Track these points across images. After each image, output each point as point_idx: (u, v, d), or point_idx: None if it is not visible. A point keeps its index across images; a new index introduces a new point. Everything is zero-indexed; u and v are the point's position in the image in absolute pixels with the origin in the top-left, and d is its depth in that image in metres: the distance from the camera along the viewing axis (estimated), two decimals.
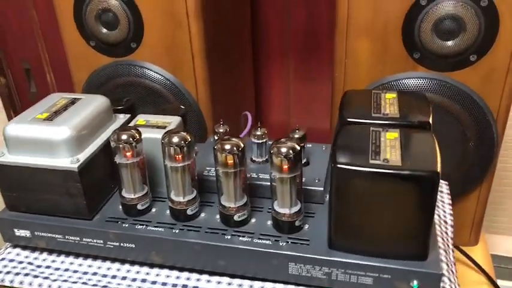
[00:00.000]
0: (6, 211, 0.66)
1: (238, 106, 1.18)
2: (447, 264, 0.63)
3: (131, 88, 0.96)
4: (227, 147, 0.57)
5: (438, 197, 0.77)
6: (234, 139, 0.58)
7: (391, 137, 0.56)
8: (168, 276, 0.63)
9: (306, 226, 0.61)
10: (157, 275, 0.63)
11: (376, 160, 0.52)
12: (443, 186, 0.80)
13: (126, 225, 0.63)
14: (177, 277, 0.62)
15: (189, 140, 0.59)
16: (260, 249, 0.58)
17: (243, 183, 0.60)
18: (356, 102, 0.65)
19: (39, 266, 0.65)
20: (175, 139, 0.58)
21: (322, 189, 0.64)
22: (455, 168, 0.90)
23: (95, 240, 0.63)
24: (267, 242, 0.59)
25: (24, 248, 0.68)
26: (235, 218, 0.61)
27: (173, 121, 0.68)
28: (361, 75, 0.87)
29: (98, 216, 0.65)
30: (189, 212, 0.62)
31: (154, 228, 0.62)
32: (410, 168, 0.50)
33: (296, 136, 0.67)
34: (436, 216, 0.71)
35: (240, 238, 0.60)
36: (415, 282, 0.55)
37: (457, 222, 0.90)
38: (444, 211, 0.74)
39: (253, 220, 0.63)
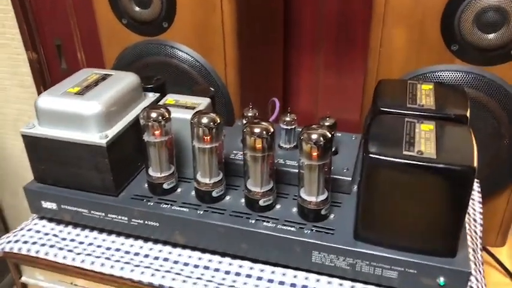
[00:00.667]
0: (34, 183, 0.67)
1: (266, 94, 1.17)
2: (475, 264, 0.61)
3: (161, 68, 0.95)
4: (257, 130, 0.56)
5: None
6: (264, 123, 0.57)
7: (426, 129, 0.54)
8: (190, 257, 0.63)
9: (332, 215, 0.60)
10: (179, 255, 0.63)
11: (410, 151, 0.50)
12: (474, 184, 0.78)
13: (151, 203, 0.63)
14: (199, 258, 0.62)
15: (219, 121, 0.58)
16: (284, 236, 0.58)
17: (270, 169, 0.59)
18: (391, 92, 0.64)
19: (63, 239, 0.66)
20: (204, 120, 0.58)
21: (350, 179, 0.63)
22: (486, 166, 0.87)
23: (119, 217, 0.64)
24: (291, 228, 0.58)
25: (50, 220, 0.69)
26: (261, 202, 0.60)
27: (202, 102, 0.68)
28: (395, 66, 0.85)
29: (124, 193, 0.65)
30: (214, 194, 0.62)
31: (179, 208, 0.62)
32: (446, 161, 0.49)
33: (326, 124, 0.66)
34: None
35: (264, 223, 0.59)
36: (442, 280, 0.53)
37: (484, 222, 0.88)
38: (474, 209, 0.72)
39: (278, 206, 0.62)
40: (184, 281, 0.59)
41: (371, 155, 0.50)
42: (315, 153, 0.55)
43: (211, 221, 0.60)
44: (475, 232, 0.68)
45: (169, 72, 0.95)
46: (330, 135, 0.55)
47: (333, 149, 0.68)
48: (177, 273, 0.60)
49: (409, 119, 0.56)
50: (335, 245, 0.56)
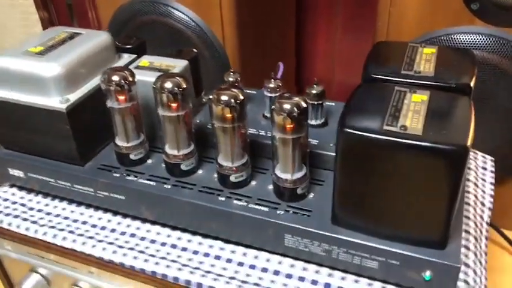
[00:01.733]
0: (1, 149, 0.63)
1: (276, 58, 1.09)
2: (475, 254, 0.54)
3: (155, 27, 0.89)
4: (224, 98, 0.49)
5: (479, 174, 0.66)
6: (233, 90, 0.50)
7: (417, 100, 0.46)
8: (158, 234, 0.58)
9: (311, 195, 0.54)
10: (147, 231, 0.58)
11: (392, 126, 0.43)
12: (488, 163, 0.69)
13: (117, 175, 0.58)
14: (168, 235, 0.58)
15: (185, 86, 0.52)
16: (254, 216, 0.52)
17: (243, 141, 0.53)
18: (386, 56, 0.55)
19: (31, 209, 0.62)
20: (168, 84, 0.51)
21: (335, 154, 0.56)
22: (506, 142, 0.78)
23: (85, 188, 0.59)
24: (264, 208, 0.52)
25: (20, 188, 0.66)
26: (232, 178, 0.54)
27: (179, 65, 0.61)
28: (407, 28, 0.76)
29: (91, 163, 0.60)
30: (183, 167, 0.56)
31: (145, 182, 0.57)
32: (432, 139, 0.41)
33: (313, 92, 0.59)
34: (472, 197, 0.62)
35: (235, 201, 0.53)
36: (428, 273, 0.47)
37: (502, 203, 0.79)
38: (484, 191, 0.64)
39: (253, 183, 0.56)
40: (146, 260, 0.54)
41: (345, 129, 0.43)
42: (288, 126, 0.48)
43: (178, 197, 0.54)
44: (481, 217, 0.60)
45: (164, 31, 0.89)
46: (304, 105, 0.48)
47: (322, 120, 0.61)
48: (140, 251, 0.55)
49: (400, 87, 0.48)
50: (309, 229, 0.50)
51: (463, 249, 0.53)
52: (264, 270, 0.53)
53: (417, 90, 0.48)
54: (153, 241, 0.57)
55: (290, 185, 0.52)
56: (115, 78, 0.53)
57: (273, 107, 0.48)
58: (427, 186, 0.43)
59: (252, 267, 0.53)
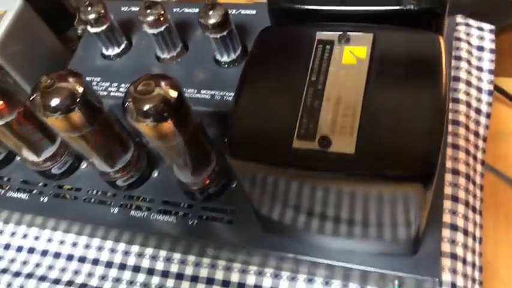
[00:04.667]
0: None
1: None
2: (464, 232, 0.39)
3: None
4: (51, 103, 0.31)
5: (473, 69, 0.48)
6: (71, 79, 0.32)
7: (351, 61, 0.27)
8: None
9: (233, 185, 0.38)
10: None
11: (306, 140, 0.25)
12: (486, 36, 0.50)
13: None
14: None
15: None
16: (160, 232, 0.38)
17: (111, 142, 0.36)
18: None
19: None
20: None
21: None
22: None
23: None
24: (170, 218, 0.38)
25: None
26: (120, 183, 0.39)
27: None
28: None
29: None
30: (55, 171, 0.41)
31: (15, 195, 0.42)
32: (372, 164, 0.24)
33: (210, 22, 0.38)
34: (463, 108, 0.45)
35: (133, 212, 0.39)
36: (396, 283, 0.34)
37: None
38: (479, 100, 0.46)
39: (155, 175, 0.40)
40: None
41: (232, 160, 0.26)
42: (160, 134, 0.30)
43: (58, 217, 0.40)
44: (476, 147, 0.44)
45: None
46: (175, 96, 0.29)
47: (238, 53, 0.41)
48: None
49: (324, 32, 0.29)
50: (234, 241, 0.36)
51: (447, 232, 0.38)
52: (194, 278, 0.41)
53: (351, 36, 0.28)
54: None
55: (197, 187, 0.36)
56: None
57: (125, 104, 0.30)
58: (373, 213, 0.28)
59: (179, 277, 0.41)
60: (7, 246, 0.45)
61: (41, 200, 0.41)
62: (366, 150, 0.24)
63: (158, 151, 0.33)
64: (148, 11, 0.39)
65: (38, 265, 0.43)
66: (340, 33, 0.28)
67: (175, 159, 0.33)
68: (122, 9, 0.47)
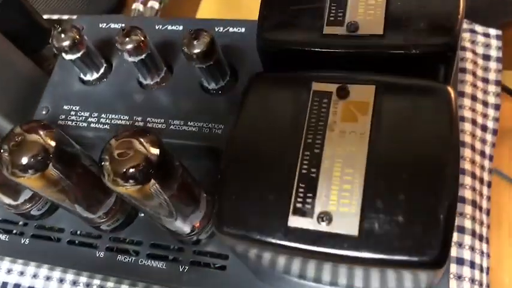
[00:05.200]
0: None
1: None
2: (473, 235, 0.38)
3: None
4: (23, 162, 0.28)
5: (478, 81, 0.45)
6: (41, 132, 0.29)
7: (350, 119, 0.24)
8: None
9: None
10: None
11: (304, 217, 0.23)
12: (493, 44, 0.46)
13: None
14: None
15: None
16: (148, 281, 0.36)
17: (92, 189, 0.33)
18: None
19: None
20: None
21: None
22: None
23: None
24: (160, 264, 0.36)
25: None
26: (104, 227, 0.36)
27: None
28: None
29: None
30: (34, 212, 0.38)
31: None
32: (379, 248, 0.22)
33: (194, 51, 0.34)
34: (468, 127, 0.42)
35: (119, 256, 0.36)
36: None
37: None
38: (485, 115, 0.43)
39: (142, 215, 0.38)
40: None
41: (221, 235, 0.24)
42: (140, 195, 0.28)
43: (38, 261, 0.38)
44: (481, 181, 0.41)
45: None
46: (156, 153, 0.27)
47: (226, 79, 0.38)
48: None
49: (320, 84, 0.25)
50: None
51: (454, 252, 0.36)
52: None
53: (351, 89, 0.25)
54: None
55: (187, 237, 0.34)
56: None
57: (102, 162, 0.27)
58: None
59: None
60: None
61: (22, 241, 0.39)
62: (370, 232, 0.22)
63: (141, 208, 0.30)
64: (127, 38, 0.35)
65: None
66: (338, 85, 0.25)
67: (160, 213, 0.31)
68: (100, 25, 0.44)
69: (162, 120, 0.38)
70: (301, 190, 0.23)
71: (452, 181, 0.22)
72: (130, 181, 0.26)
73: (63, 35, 0.37)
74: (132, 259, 0.36)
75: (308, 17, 0.27)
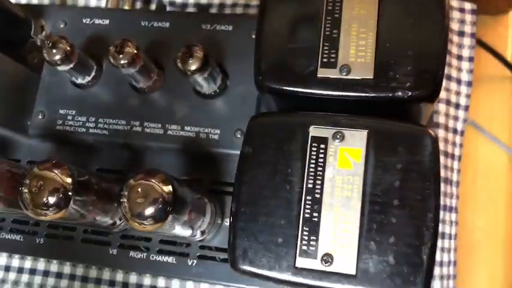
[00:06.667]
0: None
1: None
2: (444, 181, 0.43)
3: None
4: (43, 201, 0.30)
5: (453, 59, 0.47)
6: (56, 171, 0.31)
7: (345, 167, 0.27)
8: None
9: (226, 222, 0.40)
10: None
11: (309, 258, 0.26)
12: (467, 19, 0.48)
13: None
14: None
15: None
16: (159, 274, 0.40)
17: (102, 202, 0.36)
18: (285, 20, 0.31)
19: None
20: None
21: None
22: None
23: None
24: (169, 259, 0.40)
25: None
26: (117, 229, 0.39)
27: None
28: None
29: None
30: None
31: (9, 237, 0.42)
32: None
33: (191, 68, 0.36)
34: (442, 108, 0.45)
35: (132, 253, 0.40)
36: None
37: None
38: (458, 93, 0.47)
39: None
40: None
41: (238, 272, 0.27)
42: (154, 227, 0.31)
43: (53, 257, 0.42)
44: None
45: None
46: (170, 191, 0.29)
47: (218, 84, 0.40)
48: None
49: (318, 129, 0.28)
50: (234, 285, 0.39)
51: None
52: None
53: (346, 134, 0.28)
54: None
55: (193, 237, 0.38)
56: None
57: (122, 201, 0.30)
58: None
59: None
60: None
61: (37, 241, 0.42)
62: (366, 271, 0.26)
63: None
64: (121, 55, 0.36)
65: None
66: (334, 130, 0.28)
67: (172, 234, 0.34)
68: (84, 21, 0.43)
69: (159, 125, 0.40)
70: (305, 233, 0.27)
71: (434, 227, 0.26)
72: (148, 220, 0.29)
73: (54, 50, 0.37)
74: (144, 255, 0.40)
75: (302, 58, 0.29)
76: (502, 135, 0.60)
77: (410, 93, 0.28)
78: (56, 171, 0.31)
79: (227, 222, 0.39)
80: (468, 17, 0.48)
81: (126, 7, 0.47)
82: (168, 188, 0.30)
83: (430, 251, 0.26)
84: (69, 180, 0.31)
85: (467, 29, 0.48)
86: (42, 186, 0.30)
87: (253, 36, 0.39)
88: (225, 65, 0.40)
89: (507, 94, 0.62)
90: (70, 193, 0.31)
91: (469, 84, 0.47)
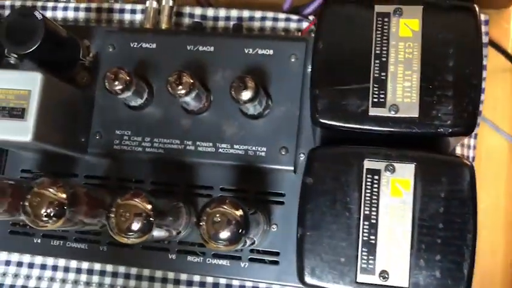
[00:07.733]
0: None
1: None
2: None
3: None
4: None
5: None
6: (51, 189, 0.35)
7: (396, 195, 0.32)
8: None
9: (274, 228, 0.44)
10: None
11: (369, 275, 0.31)
12: None
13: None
14: None
15: None
16: (216, 275, 0.45)
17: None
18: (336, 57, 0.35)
19: None
20: None
21: (292, 168, 0.43)
22: None
23: None
24: (224, 262, 0.45)
25: None
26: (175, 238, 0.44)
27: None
28: None
29: None
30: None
31: (74, 245, 0.47)
32: None
33: (243, 98, 0.39)
34: None
35: (189, 258, 0.45)
36: None
37: None
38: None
39: None
40: None
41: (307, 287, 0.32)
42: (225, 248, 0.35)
43: (116, 263, 0.46)
44: None
45: None
46: (241, 215, 0.34)
47: (263, 106, 0.44)
48: None
49: (372, 162, 0.33)
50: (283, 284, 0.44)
51: None
52: None
53: (396, 167, 0.32)
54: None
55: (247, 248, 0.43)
56: None
57: (201, 223, 0.34)
58: None
59: None
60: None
61: (101, 248, 0.46)
62: (417, 284, 0.31)
63: None
64: (180, 86, 0.40)
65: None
66: (386, 163, 0.32)
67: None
68: (131, 45, 0.47)
69: (211, 144, 0.44)
70: (364, 253, 0.32)
71: (472, 245, 0.31)
72: (224, 242, 0.34)
73: (116, 82, 0.40)
74: (200, 259, 0.45)
75: (354, 98, 0.33)
76: (504, 125, 0.65)
77: (451, 130, 0.32)
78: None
79: (274, 228, 0.44)
80: (483, 28, 0.52)
81: (164, 24, 0.50)
82: (240, 213, 0.34)
83: (469, 266, 0.31)
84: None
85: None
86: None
87: (292, 60, 0.44)
88: (267, 87, 0.44)
89: (508, 85, 0.67)
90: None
91: (482, 91, 0.52)
